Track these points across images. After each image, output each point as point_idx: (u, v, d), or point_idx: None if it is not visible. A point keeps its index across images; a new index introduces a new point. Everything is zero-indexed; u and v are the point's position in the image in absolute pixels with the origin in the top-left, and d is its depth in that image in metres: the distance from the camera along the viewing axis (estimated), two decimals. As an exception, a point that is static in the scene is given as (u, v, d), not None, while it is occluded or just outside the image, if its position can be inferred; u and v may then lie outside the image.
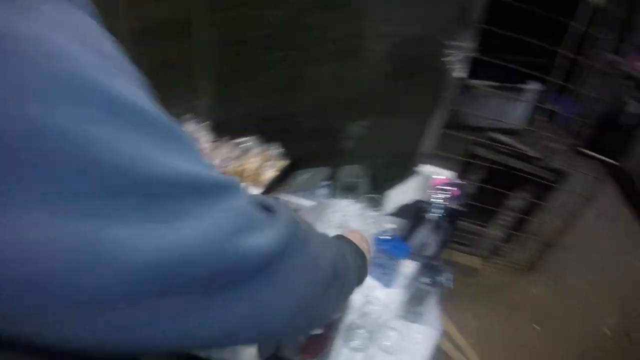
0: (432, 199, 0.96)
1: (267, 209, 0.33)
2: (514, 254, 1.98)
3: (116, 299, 0.22)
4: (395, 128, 1.04)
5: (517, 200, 1.79)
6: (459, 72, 0.89)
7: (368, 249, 0.63)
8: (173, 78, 1.25)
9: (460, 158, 1.43)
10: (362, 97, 1.03)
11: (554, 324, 1.76)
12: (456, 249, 1.93)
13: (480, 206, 1.70)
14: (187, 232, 0.23)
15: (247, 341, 0.39)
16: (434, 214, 0.97)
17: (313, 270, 0.37)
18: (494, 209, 1.81)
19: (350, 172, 1.09)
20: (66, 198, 0.19)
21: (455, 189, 0.97)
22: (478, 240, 1.95)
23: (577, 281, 1.96)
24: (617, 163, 2.35)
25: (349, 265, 0.50)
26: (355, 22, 0.94)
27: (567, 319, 1.79)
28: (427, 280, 0.84)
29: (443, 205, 0.97)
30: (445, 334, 1.57)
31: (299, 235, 0.34)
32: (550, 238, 1.91)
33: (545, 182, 1.66)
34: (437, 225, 0.98)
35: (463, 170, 1.47)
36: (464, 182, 1.03)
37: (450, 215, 0.97)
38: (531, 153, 1.66)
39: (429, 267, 0.87)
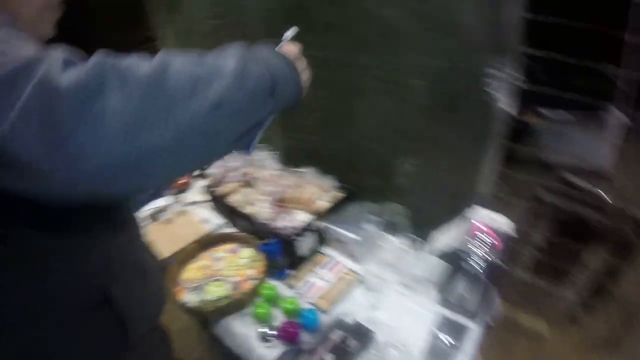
0: (470, 248, 0.94)
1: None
2: (590, 323, 1.76)
3: None
4: (444, 166, 1.02)
5: (595, 257, 1.57)
6: (505, 104, 0.84)
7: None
8: None
9: (524, 202, 1.27)
10: (409, 133, 1.05)
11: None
12: (521, 308, 1.78)
13: (550, 261, 1.53)
14: None
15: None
16: (473, 265, 0.94)
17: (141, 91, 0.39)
18: (566, 266, 1.61)
19: (396, 209, 1.13)
20: None
21: (498, 240, 0.93)
22: (547, 301, 1.77)
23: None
24: None
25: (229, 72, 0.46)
26: (395, 58, 0.98)
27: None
28: (448, 338, 0.81)
29: (483, 257, 0.94)
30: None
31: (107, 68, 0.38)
32: (636, 308, 1.66)
33: (629, 238, 1.44)
34: (475, 278, 0.94)
35: (528, 217, 1.30)
36: (512, 233, 0.94)
37: (491, 271, 0.93)
38: (611, 200, 1.41)
39: (454, 326, 0.83)
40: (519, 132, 0.93)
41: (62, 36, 0.60)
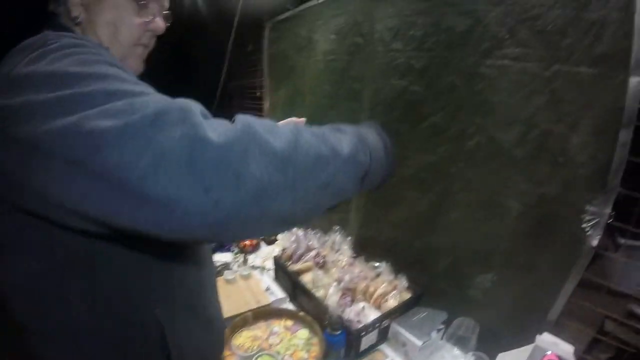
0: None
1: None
2: None
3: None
4: (521, 288, 0.98)
5: None
6: (594, 238, 0.82)
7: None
8: None
9: (591, 332, 1.11)
10: (495, 250, 1.02)
11: None
12: None
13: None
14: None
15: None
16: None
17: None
18: None
19: (465, 323, 1.04)
20: None
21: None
22: None
23: None
24: None
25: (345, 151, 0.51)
26: (495, 177, 0.99)
27: None
28: None
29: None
30: None
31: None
32: None
33: None
34: None
35: (590, 347, 1.12)
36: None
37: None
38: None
39: None
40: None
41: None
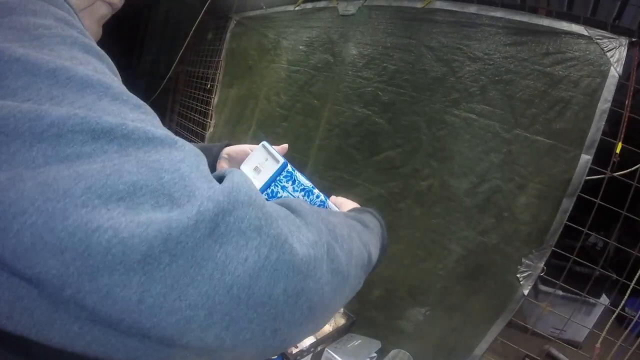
0: None
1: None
2: None
3: None
4: (452, 324, 1.02)
5: None
6: (526, 287, 0.90)
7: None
8: None
9: None
10: (432, 288, 1.05)
11: None
12: None
13: None
14: None
15: None
16: None
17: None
18: None
19: (400, 356, 1.04)
20: None
21: None
22: None
23: None
24: None
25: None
26: (442, 220, 1.03)
27: None
28: None
29: None
30: None
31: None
32: None
33: None
34: None
35: None
36: None
37: None
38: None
39: None
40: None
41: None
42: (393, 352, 1.06)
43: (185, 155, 0.25)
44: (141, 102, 0.28)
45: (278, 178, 0.62)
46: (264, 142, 0.68)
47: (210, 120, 1.67)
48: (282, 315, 0.26)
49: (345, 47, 1.22)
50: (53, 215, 0.20)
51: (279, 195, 0.64)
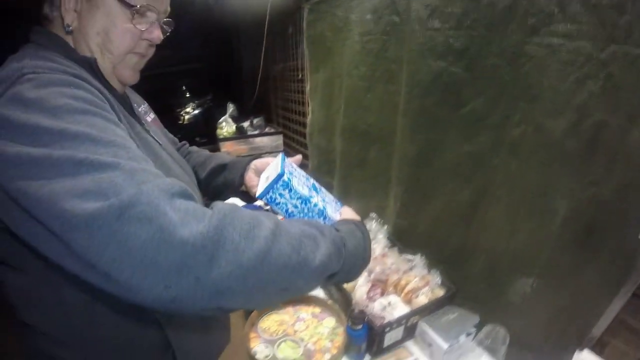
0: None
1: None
2: None
3: None
4: (563, 298, 0.87)
5: None
6: None
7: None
8: (372, 174, 1.46)
9: (635, 354, 0.99)
10: (535, 254, 0.92)
11: None
12: None
13: None
14: None
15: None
16: None
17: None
18: None
19: (495, 332, 0.97)
20: None
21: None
22: None
23: None
24: None
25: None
26: (542, 172, 0.87)
27: None
28: None
29: None
30: None
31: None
32: None
33: None
34: None
35: None
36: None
37: None
38: None
39: None
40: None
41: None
42: (487, 329, 0.98)
43: (121, 172, 0.42)
44: (112, 138, 0.46)
45: (275, 186, 0.70)
46: (282, 154, 0.77)
47: (308, 107, 1.79)
48: (171, 278, 0.40)
49: (407, 3, 1.13)
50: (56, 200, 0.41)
51: (277, 201, 0.71)
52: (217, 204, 0.47)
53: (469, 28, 0.97)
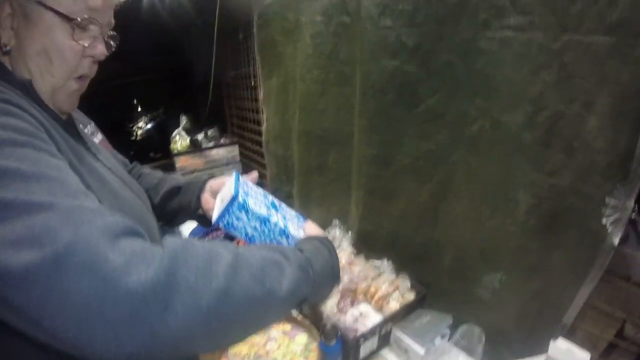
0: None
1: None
2: None
3: None
4: (533, 289, 0.88)
5: None
6: (615, 235, 0.70)
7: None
8: (332, 179, 1.42)
9: (606, 337, 1.03)
10: (501, 247, 0.92)
11: None
12: None
13: None
14: None
15: None
16: None
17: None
18: None
19: (470, 331, 0.95)
20: None
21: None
22: None
23: None
24: None
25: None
26: (502, 166, 0.88)
27: None
28: None
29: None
30: None
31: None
32: None
33: None
34: None
35: (608, 353, 1.02)
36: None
37: None
38: None
39: None
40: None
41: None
42: (462, 329, 0.97)
43: (56, 214, 0.37)
44: (45, 171, 0.41)
45: (230, 210, 0.64)
46: (235, 173, 0.71)
47: (263, 115, 1.72)
48: (123, 334, 0.35)
49: (358, 2, 1.11)
50: None
51: (234, 225, 0.66)
52: (168, 241, 0.42)
53: (420, 25, 0.96)
